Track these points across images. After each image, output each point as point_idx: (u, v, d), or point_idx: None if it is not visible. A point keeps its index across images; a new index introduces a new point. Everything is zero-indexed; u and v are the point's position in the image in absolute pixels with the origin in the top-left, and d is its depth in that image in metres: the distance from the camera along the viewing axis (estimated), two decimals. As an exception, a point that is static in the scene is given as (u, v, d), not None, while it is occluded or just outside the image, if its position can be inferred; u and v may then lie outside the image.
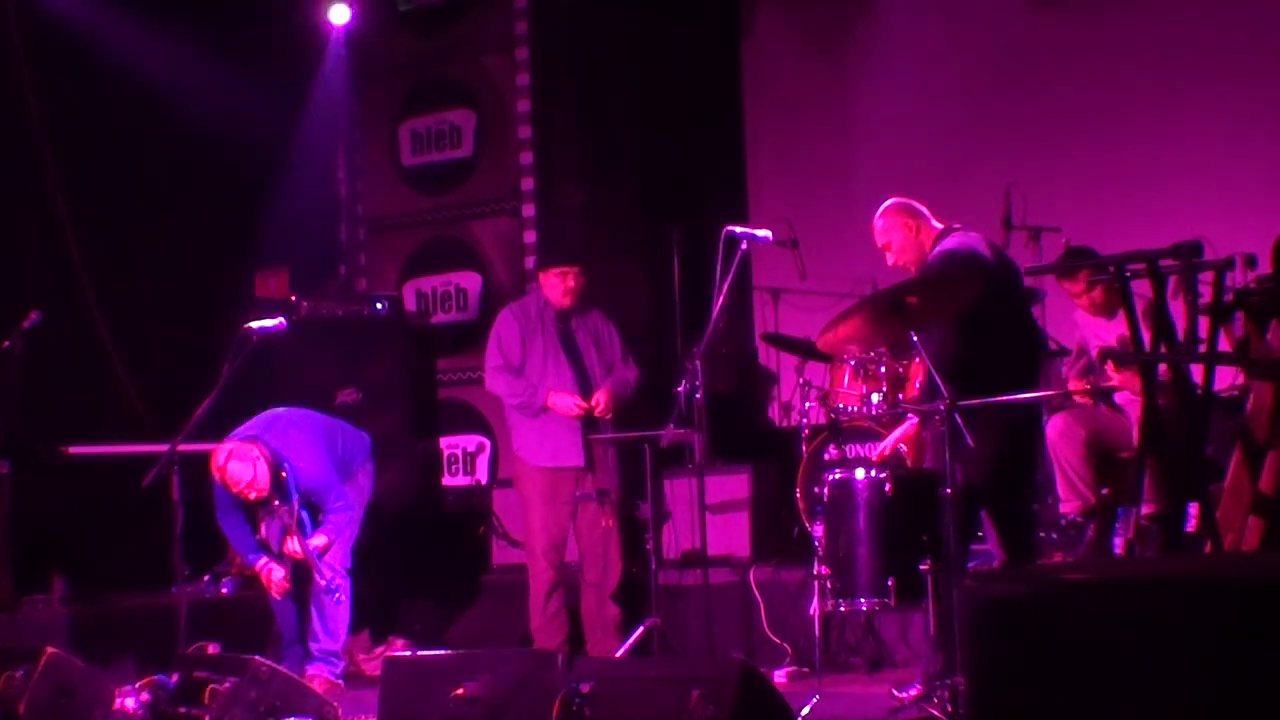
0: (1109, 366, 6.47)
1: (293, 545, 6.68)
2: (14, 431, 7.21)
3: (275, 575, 6.81)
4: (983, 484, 5.55)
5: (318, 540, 6.75)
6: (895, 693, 5.53)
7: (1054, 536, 7.01)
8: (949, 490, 5.19)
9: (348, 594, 6.81)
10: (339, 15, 10.09)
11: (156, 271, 8.84)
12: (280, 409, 7.08)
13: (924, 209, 5.89)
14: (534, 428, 7.16)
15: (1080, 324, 6.93)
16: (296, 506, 6.74)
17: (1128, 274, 4.90)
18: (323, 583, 6.66)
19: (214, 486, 6.73)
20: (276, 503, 6.68)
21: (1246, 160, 8.05)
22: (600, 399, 7.07)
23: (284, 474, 6.71)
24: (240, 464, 6.63)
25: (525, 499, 7.25)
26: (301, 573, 6.87)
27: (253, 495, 6.66)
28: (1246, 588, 2.38)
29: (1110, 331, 6.69)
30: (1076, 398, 6.80)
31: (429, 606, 8.25)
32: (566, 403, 7.05)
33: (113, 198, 8.73)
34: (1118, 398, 6.76)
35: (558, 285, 7.17)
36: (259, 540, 6.93)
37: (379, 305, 9.01)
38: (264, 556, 6.85)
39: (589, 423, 7.09)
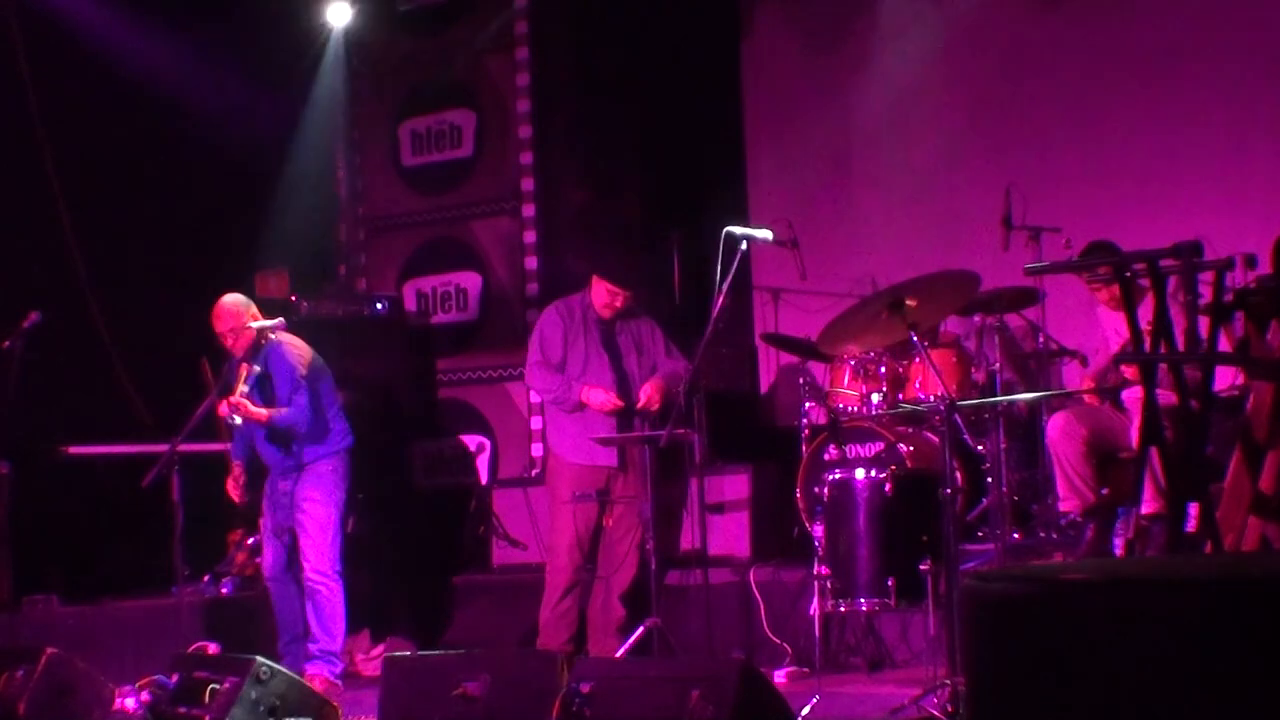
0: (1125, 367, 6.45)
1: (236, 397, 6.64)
2: (14, 431, 7.22)
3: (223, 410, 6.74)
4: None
5: (258, 410, 6.70)
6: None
7: (1054, 536, 7.01)
8: (949, 490, 5.19)
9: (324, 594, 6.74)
10: (339, 15, 10.08)
11: (157, 272, 8.83)
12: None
13: None
14: (571, 424, 7.15)
15: (1103, 322, 6.91)
16: (252, 377, 6.73)
17: (1128, 274, 4.90)
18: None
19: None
20: (245, 366, 6.75)
21: (1247, 160, 8.04)
22: (649, 391, 7.05)
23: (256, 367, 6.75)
24: (233, 304, 6.85)
25: (555, 494, 7.24)
26: (298, 572, 6.87)
27: (228, 338, 6.83)
28: (1247, 588, 2.38)
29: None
30: (1085, 396, 6.79)
31: (429, 606, 8.25)
32: (601, 398, 7.03)
33: (113, 198, 8.73)
34: (1125, 398, 6.75)
35: (605, 297, 7.15)
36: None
37: (379, 305, 9.02)
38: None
39: (626, 422, 7.10)
